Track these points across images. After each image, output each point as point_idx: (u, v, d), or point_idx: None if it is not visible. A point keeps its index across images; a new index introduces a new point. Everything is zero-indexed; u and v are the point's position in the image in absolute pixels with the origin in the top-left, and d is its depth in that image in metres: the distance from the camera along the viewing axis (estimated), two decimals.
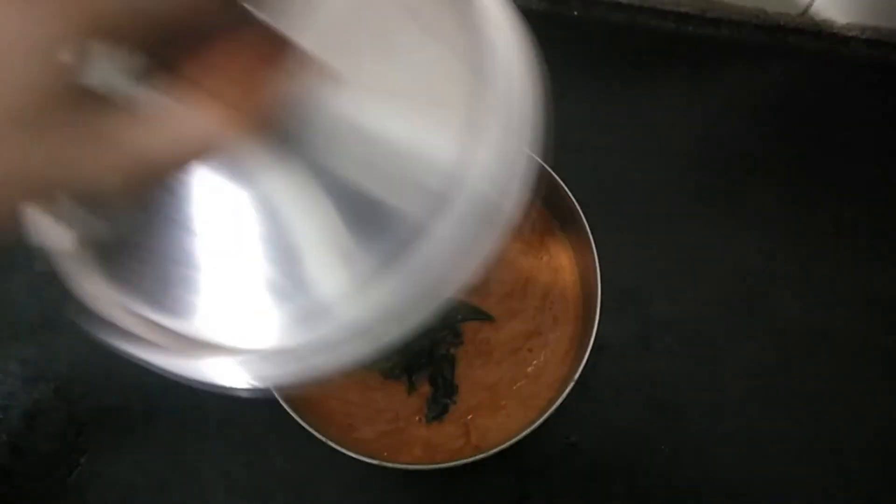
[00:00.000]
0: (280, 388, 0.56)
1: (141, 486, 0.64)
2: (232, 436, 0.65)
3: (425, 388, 0.61)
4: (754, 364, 0.69)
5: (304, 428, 0.55)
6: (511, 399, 0.61)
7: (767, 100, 0.81)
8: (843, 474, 0.65)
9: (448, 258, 0.25)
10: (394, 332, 0.27)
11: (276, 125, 0.25)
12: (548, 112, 0.28)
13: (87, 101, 0.21)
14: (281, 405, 0.55)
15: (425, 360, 0.61)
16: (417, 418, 0.61)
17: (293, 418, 0.55)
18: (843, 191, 0.76)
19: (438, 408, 0.60)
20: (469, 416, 0.61)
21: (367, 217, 0.26)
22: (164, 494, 0.64)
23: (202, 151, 0.23)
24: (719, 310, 0.71)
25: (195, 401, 0.66)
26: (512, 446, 0.54)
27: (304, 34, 0.24)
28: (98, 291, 0.29)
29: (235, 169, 0.26)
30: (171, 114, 0.23)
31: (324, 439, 0.55)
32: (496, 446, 0.55)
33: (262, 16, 0.24)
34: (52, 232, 0.27)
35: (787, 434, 0.67)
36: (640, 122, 0.79)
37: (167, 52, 0.23)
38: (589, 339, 0.58)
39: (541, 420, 0.55)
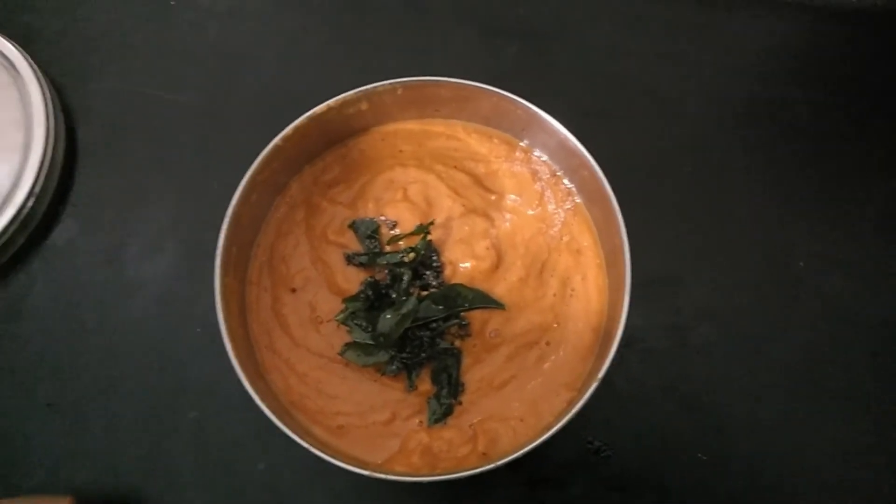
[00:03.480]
0: (256, 383, 0.49)
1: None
2: (208, 439, 0.58)
3: (426, 387, 0.54)
4: (803, 359, 0.62)
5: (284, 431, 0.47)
6: (524, 400, 0.54)
7: (820, 67, 0.73)
8: None
9: None
10: None
11: None
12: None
13: None
14: (257, 403, 0.48)
15: (427, 355, 0.54)
16: (418, 421, 0.53)
17: (272, 419, 0.48)
18: None
19: (441, 409, 0.53)
20: (476, 420, 0.53)
21: None
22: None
23: None
24: (762, 298, 0.64)
25: (168, 399, 0.59)
26: (526, 454, 0.47)
27: None
28: None
29: None
30: None
31: (307, 446, 0.48)
32: (507, 455, 0.48)
33: None
34: None
35: (844, 442, 0.59)
36: (678, 88, 0.71)
37: None
38: (615, 332, 0.51)
39: (559, 425, 0.48)
